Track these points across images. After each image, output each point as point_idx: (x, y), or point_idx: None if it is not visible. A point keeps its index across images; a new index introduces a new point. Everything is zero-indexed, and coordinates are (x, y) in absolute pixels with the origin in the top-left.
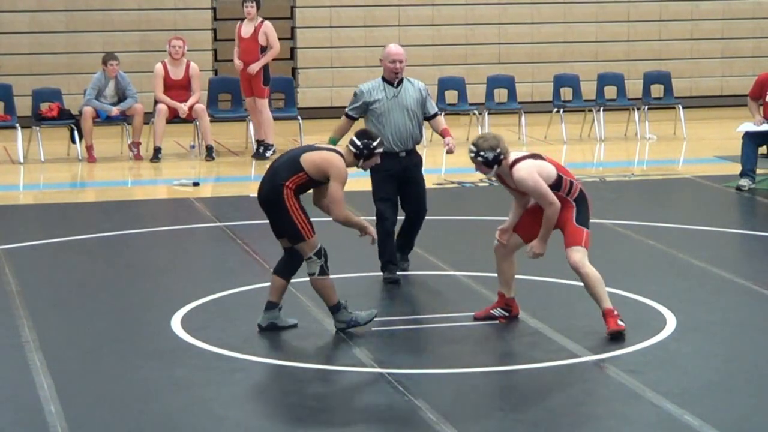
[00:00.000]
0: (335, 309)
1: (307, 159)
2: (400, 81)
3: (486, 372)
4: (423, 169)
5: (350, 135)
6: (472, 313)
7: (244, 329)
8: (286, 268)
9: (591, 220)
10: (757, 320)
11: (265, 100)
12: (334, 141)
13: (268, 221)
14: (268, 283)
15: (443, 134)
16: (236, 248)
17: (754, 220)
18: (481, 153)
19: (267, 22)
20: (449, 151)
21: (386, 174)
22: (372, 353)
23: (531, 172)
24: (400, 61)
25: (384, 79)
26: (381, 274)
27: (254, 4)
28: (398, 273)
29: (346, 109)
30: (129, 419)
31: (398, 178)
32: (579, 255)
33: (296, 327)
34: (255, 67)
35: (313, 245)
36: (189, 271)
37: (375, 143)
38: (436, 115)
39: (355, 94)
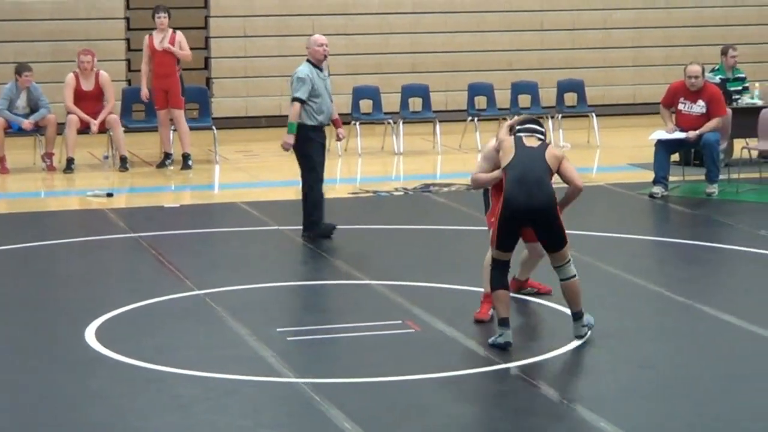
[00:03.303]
0: (580, 315)
1: (549, 157)
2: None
3: (402, 381)
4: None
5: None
6: (387, 322)
7: (159, 340)
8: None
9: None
10: (670, 326)
11: (182, 111)
12: (294, 126)
13: (182, 232)
14: (182, 294)
15: (335, 123)
16: (150, 259)
17: (666, 226)
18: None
19: (179, 32)
20: (339, 139)
21: (320, 144)
22: (288, 363)
23: None
24: (326, 45)
25: (312, 63)
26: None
27: (167, 15)
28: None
29: (298, 96)
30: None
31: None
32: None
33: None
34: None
35: (569, 247)
36: (103, 282)
37: None
38: None
39: (302, 80)
